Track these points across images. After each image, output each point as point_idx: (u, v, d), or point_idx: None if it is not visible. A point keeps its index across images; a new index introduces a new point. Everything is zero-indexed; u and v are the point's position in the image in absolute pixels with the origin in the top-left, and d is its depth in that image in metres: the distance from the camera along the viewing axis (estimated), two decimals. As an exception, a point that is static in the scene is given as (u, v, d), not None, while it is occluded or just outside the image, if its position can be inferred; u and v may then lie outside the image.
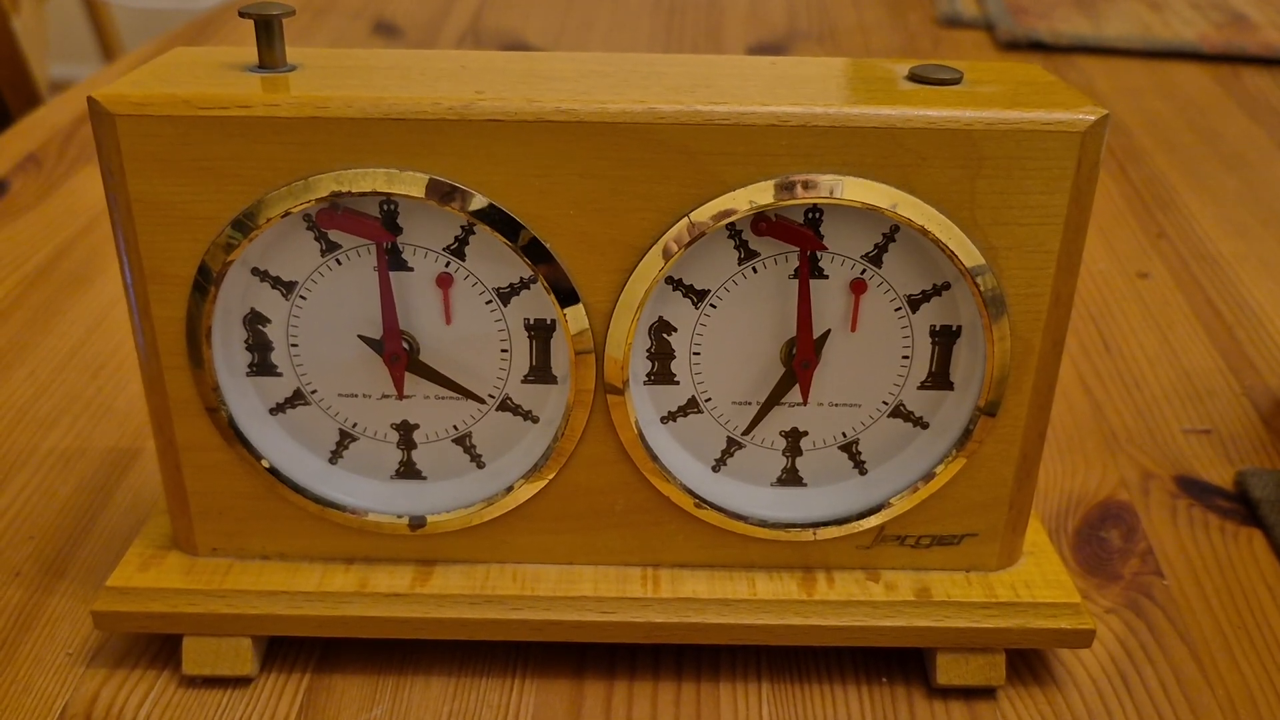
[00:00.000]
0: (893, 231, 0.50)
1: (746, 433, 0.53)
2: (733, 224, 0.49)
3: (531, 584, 0.53)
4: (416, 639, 0.52)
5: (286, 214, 0.46)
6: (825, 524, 0.54)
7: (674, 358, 0.52)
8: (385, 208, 0.48)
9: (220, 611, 0.52)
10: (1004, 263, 0.49)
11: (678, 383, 0.53)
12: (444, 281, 0.49)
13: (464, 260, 0.49)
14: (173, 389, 0.50)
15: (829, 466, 0.55)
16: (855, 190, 0.48)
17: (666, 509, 0.53)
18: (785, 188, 0.48)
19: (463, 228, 0.48)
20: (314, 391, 0.51)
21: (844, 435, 0.54)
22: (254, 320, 0.50)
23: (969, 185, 0.48)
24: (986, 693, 0.54)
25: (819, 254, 0.50)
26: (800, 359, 0.51)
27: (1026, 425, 0.53)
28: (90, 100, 0.47)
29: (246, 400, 0.51)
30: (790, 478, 0.55)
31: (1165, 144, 1.17)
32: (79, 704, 0.53)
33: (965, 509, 0.55)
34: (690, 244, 0.48)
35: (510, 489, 0.52)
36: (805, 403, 0.53)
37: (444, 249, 0.49)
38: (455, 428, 0.52)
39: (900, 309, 0.51)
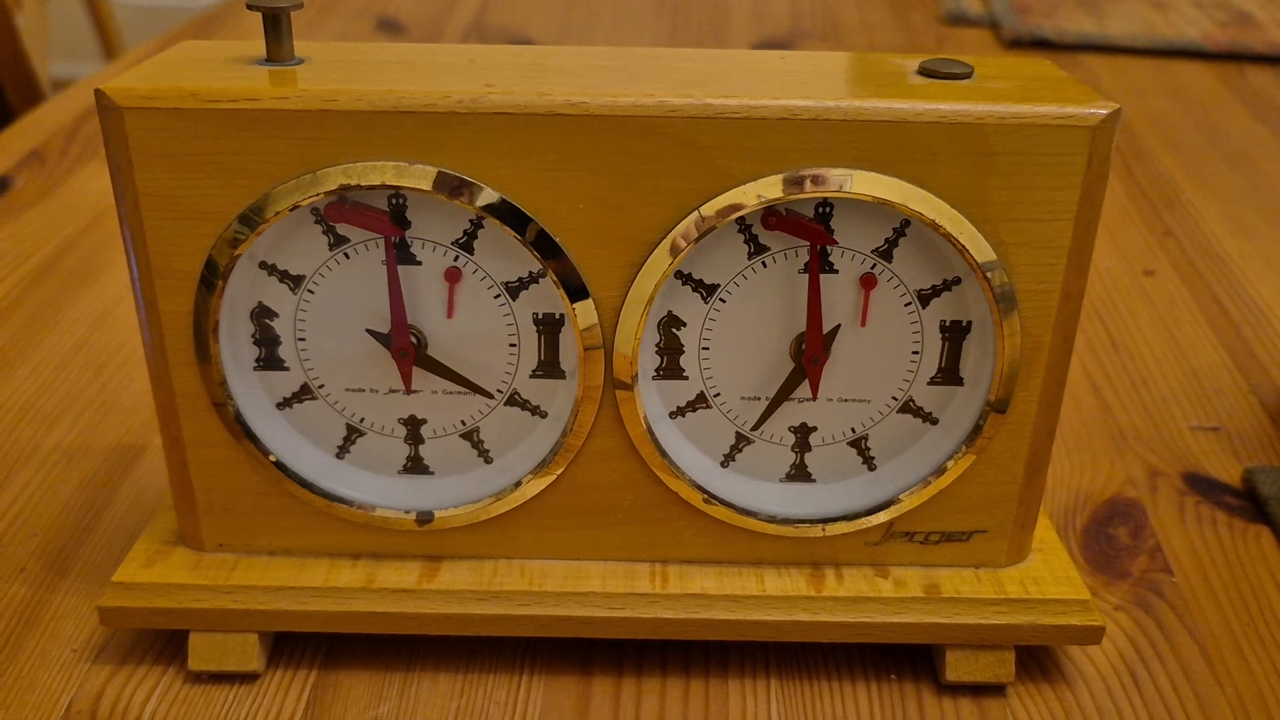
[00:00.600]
0: (903, 226, 0.50)
1: (755, 428, 0.53)
2: (742, 218, 0.48)
3: (539, 580, 0.53)
4: (423, 635, 0.52)
5: (295, 208, 0.46)
6: (834, 520, 0.54)
7: (683, 353, 0.52)
8: (394, 201, 0.48)
9: (226, 607, 0.52)
10: (1014, 258, 0.49)
11: (686, 378, 0.52)
12: (452, 276, 0.49)
13: (472, 254, 0.49)
14: (179, 384, 0.50)
15: (838, 462, 0.54)
16: (866, 184, 0.47)
17: (675, 505, 0.53)
18: (795, 182, 0.47)
19: (471, 221, 0.48)
20: (321, 386, 0.51)
21: (853, 431, 0.54)
22: (261, 315, 0.50)
23: (980, 180, 0.48)
24: (996, 689, 0.54)
25: (829, 249, 0.50)
26: (810, 354, 0.51)
27: (1036, 421, 0.52)
28: (98, 93, 0.47)
29: (253, 395, 0.51)
30: (799, 473, 0.55)
31: (1170, 142, 1.17)
32: (84, 700, 0.52)
33: (974, 505, 0.54)
34: (700, 238, 0.48)
35: (518, 484, 0.52)
36: (815, 398, 0.52)
37: (452, 243, 0.48)
38: (463, 423, 0.52)
39: (910, 304, 0.51)
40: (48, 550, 0.60)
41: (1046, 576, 0.55)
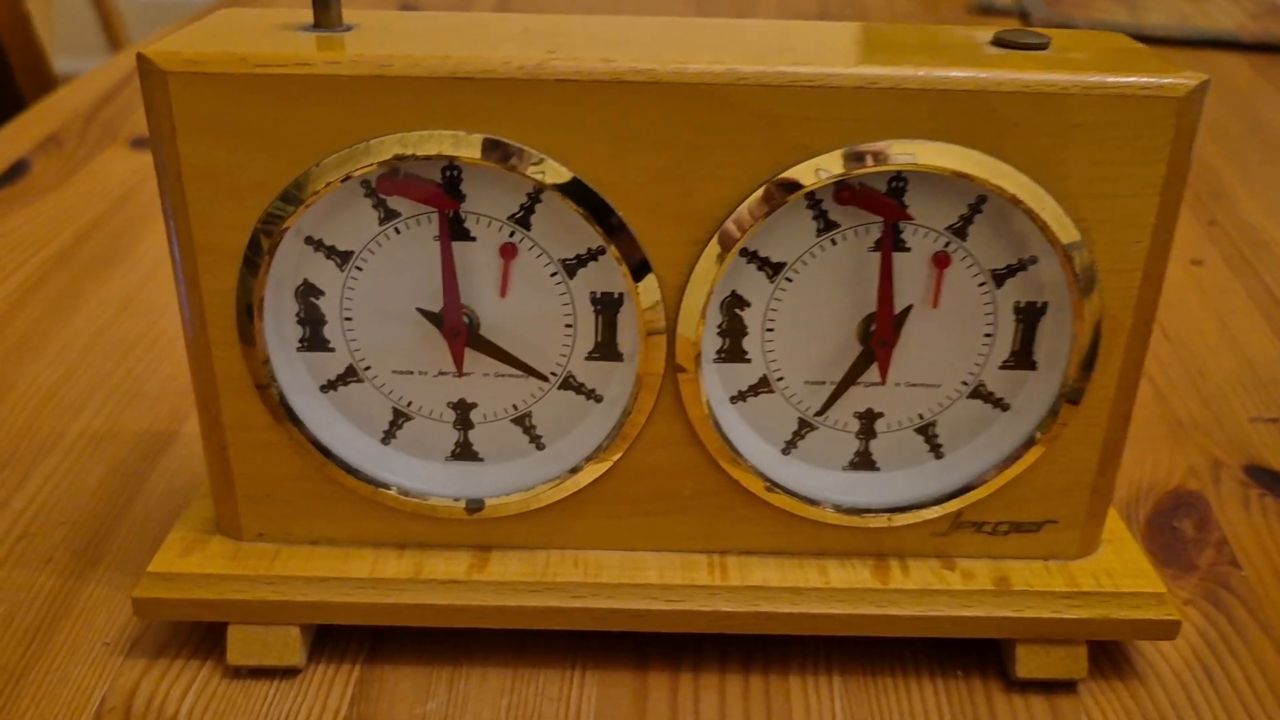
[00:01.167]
0: (979, 202, 0.47)
1: (820, 414, 0.51)
2: (812, 194, 0.46)
3: (594, 571, 0.51)
4: (473, 628, 0.50)
5: (346, 179, 0.44)
6: (900, 509, 0.52)
7: (746, 334, 0.50)
8: (448, 173, 0.45)
9: (267, 599, 0.50)
10: (1095, 236, 0.47)
11: (749, 361, 0.50)
12: (508, 252, 0.47)
13: (529, 230, 0.46)
14: (220, 365, 0.48)
15: (904, 449, 0.52)
16: (943, 157, 0.45)
17: (736, 493, 0.51)
18: (870, 155, 0.45)
19: (529, 195, 0.46)
20: (368, 368, 0.49)
21: (921, 417, 0.52)
22: (307, 293, 0.48)
23: (1061, 154, 0.46)
24: (1067, 686, 0.52)
25: (901, 226, 0.47)
26: (879, 336, 0.49)
27: (1112, 408, 0.50)
28: (140, 58, 0.44)
29: (297, 377, 0.49)
30: (863, 461, 0.53)
31: (1212, 132, 1.15)
32: (118, 695, 0.50)
33: (1045, 495, 0.52)
34: (769, 214, 0.46)
35: (573, 471, 0.50)
36: (883, 382, 0.50)
37: (509, 218, 0.46)
38: (515, 407, 0.50)
39: (984, 284, 0.49)
40: (76, 540, 0.58)
41: (1119, 569, 0.53)
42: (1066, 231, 0.46)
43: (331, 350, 0.49)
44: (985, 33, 0.49)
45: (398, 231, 0.46)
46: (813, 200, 0.47)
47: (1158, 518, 0.63)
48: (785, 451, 0.52)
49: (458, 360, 0.48)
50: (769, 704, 0.51)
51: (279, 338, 0.48)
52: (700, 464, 0.50)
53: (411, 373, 0.49)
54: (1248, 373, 0.76)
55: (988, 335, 0.50)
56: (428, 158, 0.44)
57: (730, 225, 0.46)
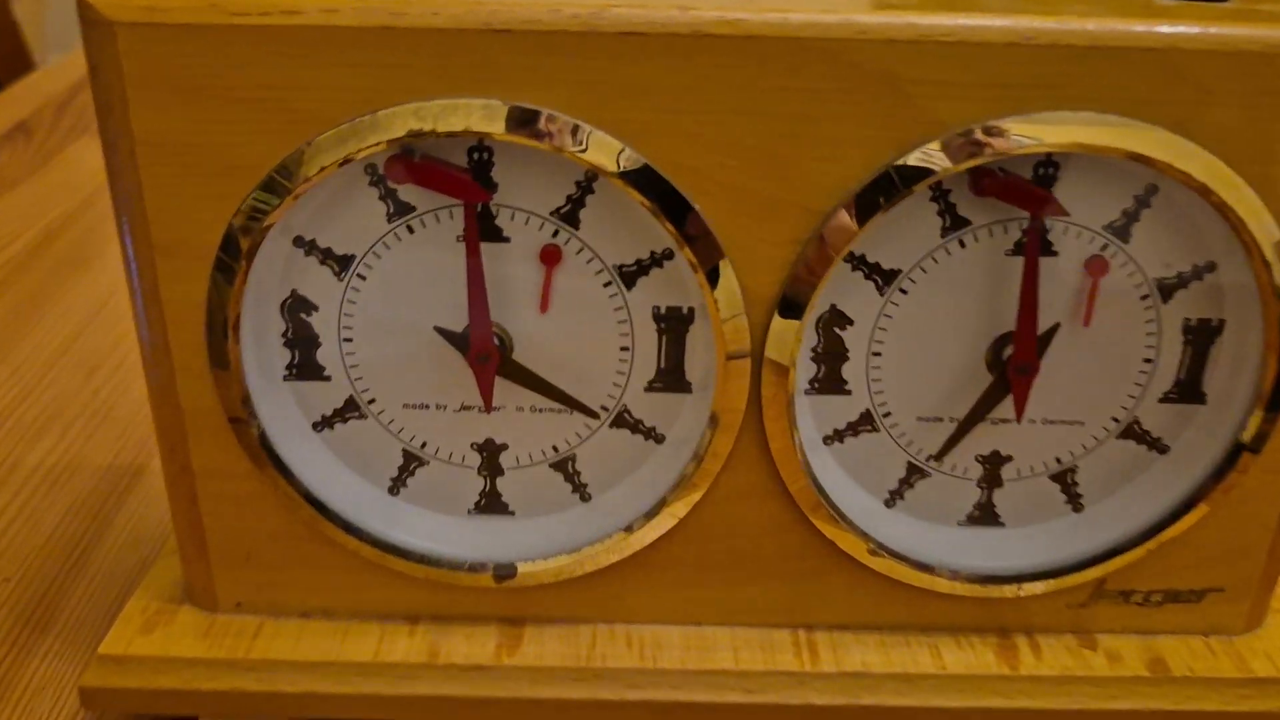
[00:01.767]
0: (1148, 193, 0.38)
1: (938, 458, 0.41)
2: (940, 182, 0.36)
3: (653, 653, 0.42)
4: (503, 725, 0.40)
5: (345, 162, 0.36)
6: (1030, 576, 0.43)
7: (846, 359, 0.40)
8: (477, 156, 0.37)
9: (247, 689, 0.41)
10: (1299, 236, 0.37)
11: (849, 392, 0.41)
12: (550, 256, 0.38)
13: (577, 228, 0.38)
14: (188, 397, 0.40)
15: (1035, 501, 0.43)
16: (1114, 134, 0.35)
17: (829, 555, 0.42)
18: (1017, 132, 0.35)
19: (579, 184, 0.37)
20: (372, 401, 0.41)
21: (1058, 461, 0.42)
22: (296, 308, 0.40)
23: (1265, 129, 0.35)
24: (1239, 796, 0.42)
25: (1049, 223, 0.38)
26: (1017, 361, 0.39)
27: (1299, 451, 0.40)
28: (80, 4, 0.34)
29: (284, 412, 0.41)
30: (984, 515, 0.43)
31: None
32: (63, 804, 0.41)
33: (1210, 558, 0.43)
34: (886, 208, 0.36)
35: (628, 530, 0.42)
36: (1019, 419, 0.40)
37: (552, 213, 0.38)
38: (555, 449, 0.42)
39: (1148, 297, 0.39)
40: (23, 600, 0.49)
41: (1297, 648, 0.43)
42: (1266, 229, 0.36)
43: (327, 379, 0.41)
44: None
45: (411, 230, 0.38)
46: (939, 191, 0.37)
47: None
48: (890, 504, 0.43)
49: (486, 392, 0.40)
50: (871, 820, 0.41)
51: (261, 363, 0.40)
52: (786, 520, 0.42)
53: (427, 407, 0.41)
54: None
55: (1147, 361, 0.40)
56: (451, 135, 0.35)
57: (835, 222, 0.36)
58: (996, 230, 0.38)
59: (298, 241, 0.38)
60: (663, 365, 0.40)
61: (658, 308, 0.39)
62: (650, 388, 0.41)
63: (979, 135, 0.36)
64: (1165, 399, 0.41)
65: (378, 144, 0.35)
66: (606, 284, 0.39)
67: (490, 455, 0.42)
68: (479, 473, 0.42)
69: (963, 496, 0.43)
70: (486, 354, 0.39)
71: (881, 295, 0.39)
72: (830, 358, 0.40)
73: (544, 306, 0.39)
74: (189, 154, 0.36)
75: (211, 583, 0.43)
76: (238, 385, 0.39)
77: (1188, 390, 0.41)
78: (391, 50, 0.34)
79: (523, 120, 0.35)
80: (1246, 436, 0.40)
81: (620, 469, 0.42)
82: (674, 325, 0.39)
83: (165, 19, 0.34)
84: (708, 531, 0.42)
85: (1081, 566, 0.42)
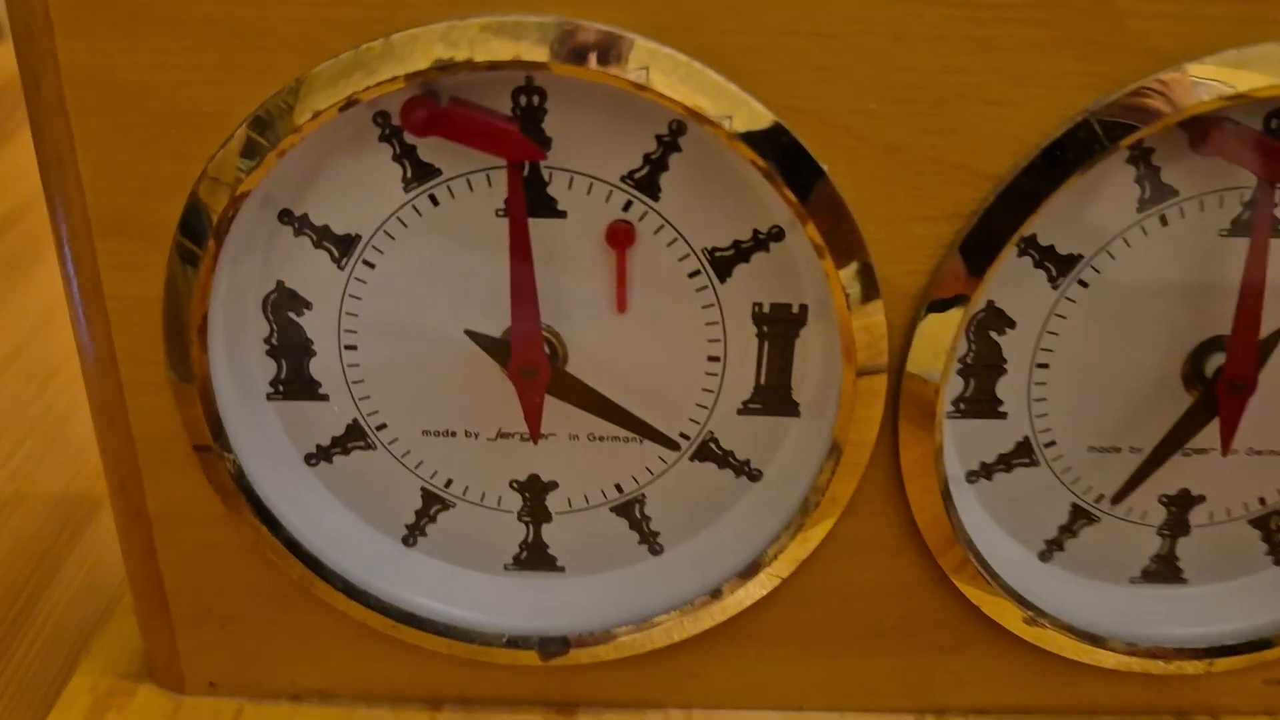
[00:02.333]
0: None
1: (1117, 499, 0.33)
2: (1141, 140, 0.28)
3: None
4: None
5: (346, 107, 0.28)
6: (1225, 649, 0.35)
7: (1003, 372, 0.32)
8: (525, 99, 0.29)
9: None
10: None
11: (1003, 415, 0.33)
12: (620, 237, 0.30)
13: (656, 198, 0.30)
14: (141, 422, 0.33)
15: (1229, 552, 0.35)
16: (1390, 70, 0.26)
17: (970, 623, 0.35)
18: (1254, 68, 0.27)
19: (660, 139, 0.29)
20: (382, 427, 0.34)
21: (1261, 503, 0.35)
22: (283, 305, 0.32)
23: None
24: None
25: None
26: (1232, 375, 0.31)
27: None
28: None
29: (267, 441, 0.34)
30: (1163, 570, 0.36)
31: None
32: None
33: None
34: (1080, 170, 0.27)
35: (714, 594, 0.34)
36: (1224, 450, 0.32)
37: (624, 177, 0.30)
38: (619, 488, 0.34)
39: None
40: None
41: None
42: None
43: (323, 398, 0.33)
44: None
45: (435, 202, 0.30)
46: (1140, 150, 0.29)
47: None
48: (1045, 556, 0.35)
49: (532, 415, 0.32)
50: None
51: (237, 378, 0.33)
52: (917, 579, 0.34)
53: (454, 434, 0.34)
54: None
55: (1389, 375, 0.31)
56: (492, 68, 0.27)
57: (1009, 192, 0.28)
58: (1210, 203, 0.30)
59: (284, 217, 0.31)
60: (762, 381, 0.33)
61: (759, 305, 0.32)
62: (745, 410, 0.33)
63: (1210, 71, 0.27)
64: None
65: (392, 81, 0.27)
66: (693, 273, 0.31)
67: (535, 496, 0.35)
68: (520, 518, 0.35)
69: (1138, 547, 0.35)
70: (533, 366, 0.31)
71: (1054, 289, 0.31)
72: (983, 371, 0.32)
73: (620, 305, 0.30)
74: (135, 98, 0.28)
75: (177, 656, 0.37)
76: (206, 406, 0.32)
77: None
78: (411, -49, 0.26)
79: (588, 47, 0.27)
80: None
81: (703, 514, 0.35)
82: (780, 329, 0.32)
83: (98, -95, 0.25)
84: (818, 594, 0.34)
85: (1288, 634, 0.35)
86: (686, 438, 0.33)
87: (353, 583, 0.34)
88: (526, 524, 0.35)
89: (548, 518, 0.35)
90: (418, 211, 0.30)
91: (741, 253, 0.30)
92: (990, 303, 0.31)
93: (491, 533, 0.35)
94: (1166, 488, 0.34)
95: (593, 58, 0.27)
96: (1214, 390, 0.31)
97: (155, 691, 0.37)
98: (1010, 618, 0.33)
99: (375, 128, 0.29)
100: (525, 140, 0.28)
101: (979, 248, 0.28)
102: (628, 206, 0.30)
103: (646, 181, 0.30)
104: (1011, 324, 0.31)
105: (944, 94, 0.27)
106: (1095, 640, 0.34)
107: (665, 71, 0.27)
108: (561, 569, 0.36)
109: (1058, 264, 0.30)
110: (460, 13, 0.26)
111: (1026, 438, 0.33)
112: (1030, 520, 0.34)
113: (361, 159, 0.30)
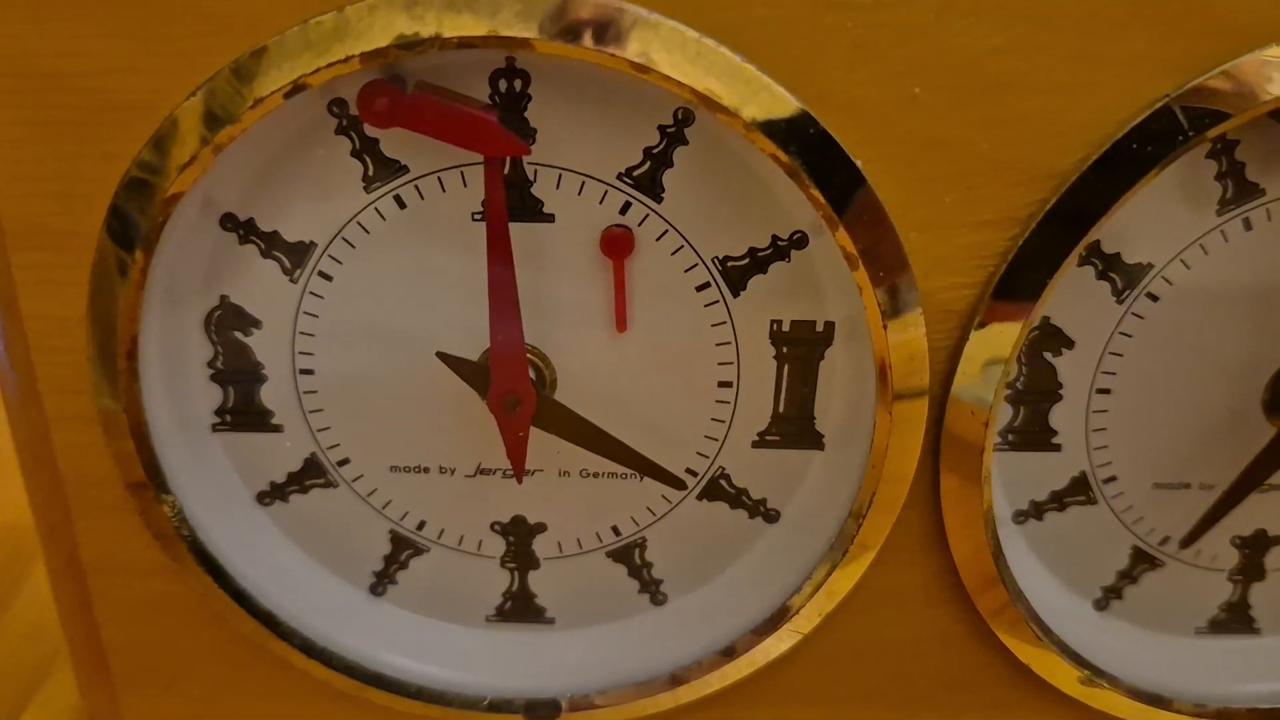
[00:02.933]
0: None
1: (1186, 543, 0.29)
2: (1225, 133, 0.25)
3: None
4: None
5: (294, 92, 0.24)
6: None
7: (1059, 399, 0.29)
8: (506, 84, 0.25)
9: None
10: None
11: (1057, 447, 0.30)
12: (616, 245, 0.27)
13: (659, 199, 0.27)
14: (69, 458, 0.29)
15: None
16: None
17: (1019, 683, 0.31)
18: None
19: (664, 130, 0.26)
20: (345, 462, 0.30)
21: None
22: (229, 323, 0.29)
23: None
24: None
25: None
26: None
27: None
28: None
29: (213, 478, 0.30)
30: (1233, 619, 0.32)
31: None
32: None
33: None
34: (1165, 164, 0.23)
35: (726, 653, 0.30)
36: (1310, 488, 0.28)
37: (621, 175, 0.26)
38: (616, 531, 0.31)
39: None
40: None
41: None
42: None
43: (276, 429, 0.30)
44: None
45: (401, 204, 0.27)
46: (1223, 144, 0.25)
47: None
48: (1102, 605, 0.33)
49: (515, 450, 0.29)
50: None
51: (176, 407, 0.29)
52: (958, 632, 0.31)
53: (426, 470, 0.30)
54: None
55: None
56: (464, 45, 0.23)
57: (1072, 192, 0.24)
58: (1303, 202, 0.26)
59: (227, 222, 0.27)
60: (781, 409, 0.29)
61: (778, 323, 0.28)
62: (761, 442, 0.30)
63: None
64: None
65: (346, 62, 0.24)
66: (701, 286, 0.28)
67: (520, 540, 0.31)
68: (503, 565, 0.32)
69: (1207, 594, 0.32)
70: (516, 395, 0.28)
71: (1119, 303, 0.28)
72: (1035, 398, 0.29)
73: (619, 323, 0.27)
74: (50, 88, 0.25)
75: (119, 718, 0.33)
76: (139, 440, 0.28)
77: None
78: (367, -98, 0.22)
79: (580, 22, 0.23)
80: None
81: (713, 561, 0.31)
82: (802, 350, 0.28)
83: None
84: (845, 651, 0.31)
85: (1376, 692, 0.31)
86: (693, 474, 0.30)
87: (312, 639, 0.31)
88: (511, 571, 0.32)
89: (535, 564, 0.32)
90: (381, 215, 0.27)
91: (758, 262, 0.27)
92: (1046, 319, 0.27)
93: (471, 581, 0.32)
94: (1241, 529, 0.31)
95: (586, 34, 0.23)
96: (1302, 419, 0.28)
97: (94, 758, 0.33)
98: (1062, 676, 0.30)
99: (330, 118, 0.26)
100: (505, 132, 0.25)
101: (1036, 258, 0.25)
102: (626, 209, 0.27)
103: (647, 180, 0.26)
104: (1069, 344, 0.28)
105: (997, 80, 0.24)
106: (1158, 701, 0.31)
107: (671, 50, 0.23)
108: (551, 621, 0.33)
109: (1124, 274, 0.27)
110: (427, -19, 0.22)
111: (1083, 473, 0.30)
112: (1086, 566, 0.32)
113: (315, 155, 0.26)
